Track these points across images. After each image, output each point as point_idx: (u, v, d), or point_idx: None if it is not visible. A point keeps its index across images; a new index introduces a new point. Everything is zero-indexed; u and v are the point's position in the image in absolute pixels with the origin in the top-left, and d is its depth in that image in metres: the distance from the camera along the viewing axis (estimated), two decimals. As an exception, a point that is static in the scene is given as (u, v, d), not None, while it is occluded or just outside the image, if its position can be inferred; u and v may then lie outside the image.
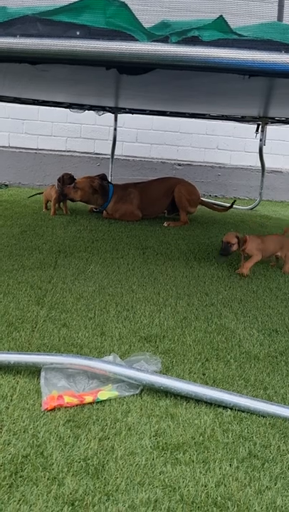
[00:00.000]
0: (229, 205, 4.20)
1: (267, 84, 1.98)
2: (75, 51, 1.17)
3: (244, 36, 1.17)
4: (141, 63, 1.19)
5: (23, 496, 1.01)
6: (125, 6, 1.17)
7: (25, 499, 1.00)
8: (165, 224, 3.71)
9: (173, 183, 3.96)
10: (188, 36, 1.16)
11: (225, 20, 1.16)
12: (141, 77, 1.72)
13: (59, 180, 3.82)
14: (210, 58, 1.17)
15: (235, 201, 4.35)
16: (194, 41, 1.16)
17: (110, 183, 3.84)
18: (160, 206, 3.96)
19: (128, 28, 1.17)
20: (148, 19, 1.19)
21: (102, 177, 3.81)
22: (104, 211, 3.83)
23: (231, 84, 1.81)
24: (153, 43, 1.18)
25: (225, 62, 1.17)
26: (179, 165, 5.49)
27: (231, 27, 1.16)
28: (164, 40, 1.18)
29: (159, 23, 1.20)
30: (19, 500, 1.00)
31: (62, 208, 3.90)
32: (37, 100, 4.20)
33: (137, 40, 1.17)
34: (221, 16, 1.16)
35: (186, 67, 1.20)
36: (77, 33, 1.18)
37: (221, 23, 1.15)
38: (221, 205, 4.65)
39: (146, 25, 1.19)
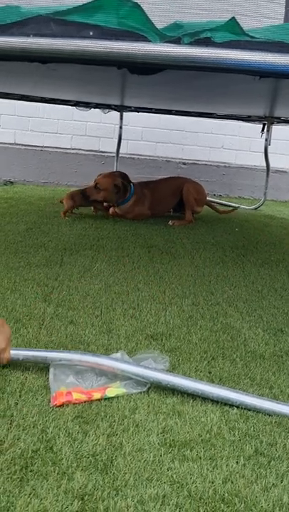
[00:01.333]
0: (231, 208, 4.27)
1: (274, 84, 1.99)
2: (88, 51, 1.18)
3: (256, 38, 1.18)
4: (153, 64, 1.20)
5: (33, 489, 1.03)
6: (138, 6, 1.18)
7: (36, 493, 1.02)
8: (170, 223, 3.72)
9: (181, 182, 3.98)
10: (200, 37, 1.17)
11: (237, 22, 1.17)
12: (149, 77, 1.73)
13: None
14: (221, 59, 1.18)
15: (237, 208, 4.38)
16: (206, 42, 1.17)
17: (131, 182, 3.81)
18: (168, 205, 3.98)
19: (141, 29, 1.18)
20: (161, 20, 1.20)
21: (124, 176, 3.78)
22: (111, 208, 3.82)
23: (240, 85, 1.82)
24: (165, 44, 1.19)
25: (236, 63, 1.18)
26: (184, 164, 5.50)
27: (243, 29, 1.17)
28: (177, 41, 1.19)
29: (171, 24, 1.22)
30: (30, 494, 1.01)
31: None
32: (44, 98, 4.21)
33: (149, 40, 1.18)
34: (233, 17, 1.17)
35: (197, 68, 1.21)
36: (91, 33, 1.19)
37: (233, 24, 1.16)
38: (227, 205, 4.68)
39: (158, 26, 1.20)
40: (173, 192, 3.92)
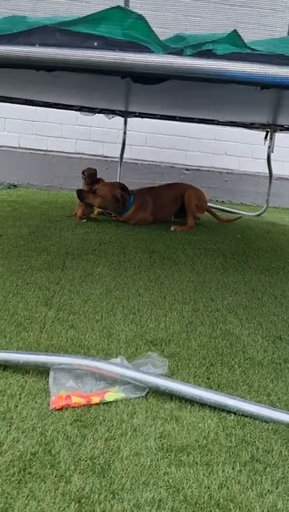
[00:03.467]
0: (235, 217, 4.31)
1: (276, 94, 2.01)
2: (92, 61, 1.21)
3: (257, 50, 1.20)
4: (156, 74, 1.22)
5: (31, 491, 1.04)
6: (142, 18, 1.21)
7: (34, 495, 1.03)
8: (172, 228, 3.74)
9: (183, 188, 4.02)
10: (202, 49, 1.19)
11: (238, 35, 1.19)
12: (152, 86, 1.75)
13: (83, 172, 3.87)
14: (223, 71, 1.20)
15: (239, 218, 4.41)
16: (208, 54, 1.20)
17: (131, 192, 3.84)
18: (170, 211, 4.01)
19: (144, 40, 1.20)
20: (163, 32, 1.23)
21: (123, 187, 3.81)
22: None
23: (242, 94, 1.84)
24: (168, 55, 1.21)
25: (238, 75, 1.20)
26: (187, 170, 5.53)
27: (245, 41, 1.19)
28: (179, 52, 1.21)
29: (174, 36, 1.24)
30: (28, 496, 1.03)
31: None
32: (48, 103, 4.25)
33: (152, 51, 1.21)
34: (235, 30, 1.19)
35: (199, 79, 1.23)
36: (95, 44, 1.21)
37: (234, 37, 1.18)
38: (231, 212, 4.72)
39: (161, 38, 1.23)
40: (175, 198, 3.95)
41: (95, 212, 3.99)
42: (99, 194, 3.67)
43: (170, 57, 1.21)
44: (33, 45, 1.25)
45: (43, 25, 1.24)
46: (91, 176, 3.88)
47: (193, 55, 1.20)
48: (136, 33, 1.21)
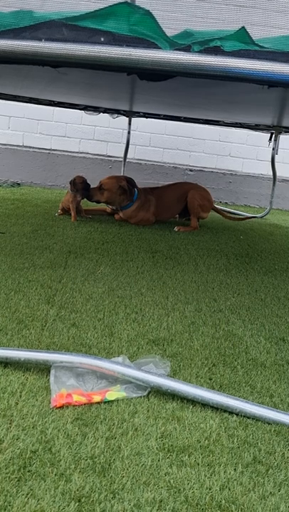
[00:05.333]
0: (246, 216, 4.30)
1: (283, 94, 1.99)
2: (99, 57, 1.20)
3: (265, 48, 1.19)
4: (163, 71, 1.21)
5: (31, 490, 1.03)
6: (149, 14, 1.20)
7: (33, 493, 1.02)
8: (176, 229, 3.73)
9: (187, 188, 3.99)
10: (210, 46, 1.18)
11: (246, 32, 1.18)
12: (158, 84, 1.74)
13: (71, 183, 3.73)
14: (231, 68, 1.19)
15: (253, 217, 4.40)
16: (216, 51, 1.19)
17: (136, 187, 3.83)
18: (173, 211, 3.99)
19: (151, 36, 1.19)
20: (171, 28, 1.22)
21: (129, 180, 3.79)
22: (116, 214, 3.85)
23: (249, 94, 1.83)
24: (175, 52, 1.20)
25: (245, 72, 1.19)
26: (191, 170, 5.51)
27: (253, 38, 1.18)
28: (187, 49, 1.20)
29: (182, 32, 1.23)
30: (27, 494, 1.02)
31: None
32: (53, 101, 4.24)
33: (159, 48, 1.20)
34: (243, 27, 1.18)
35: (207, 76, 1.22)
36: (102, 39, 1.20)
37: (242, 34, 1.17)
38: (237, 214, 4.71)
39: (169, 34, 1.21)
40: (178, 198, 3.93)
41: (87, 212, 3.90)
42: (105, 188, 3.65)
43: (177, 53, 1.20)
44: (39, 39, 1.24)
45: (50, 20, 1.23)
46: (81, 184, 3.67)
47: (200, 52, 1.19)
48: (143, 28, 1.20)
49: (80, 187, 3.66)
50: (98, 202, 3.74)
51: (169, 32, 1.22)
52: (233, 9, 1.33)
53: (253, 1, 1.30)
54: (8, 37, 1.23)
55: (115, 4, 1.22)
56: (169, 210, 3.96)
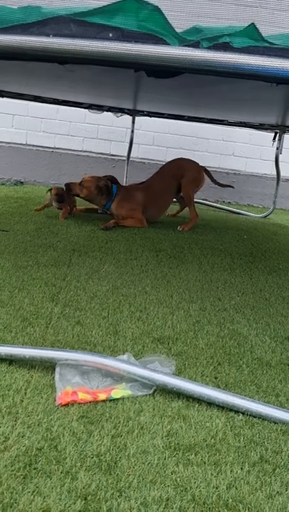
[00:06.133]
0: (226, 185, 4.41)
1: (288, 93, 1.99)
2: (107, 52, 1.19)
3: (274, 44, 1.18)
4: (171, 67, 1.20)
5: (36, 487, 1.03)
6: (158, 10, 1.19)
7: (39, 491, 1.02)
8: (179, 228, 3.72)
9: (175, 173, 3.88)
10: (219, 42, 1.18)
11: (256, 28, 1.17)
12: (163, 82, 1.74)
13: (49, 191, 3.72)
14: (240, 65, 1.18)
15: (230, 186, 4.52)
16: (225, 47, 1.18)
17: (116, 183, 3.77)
18: (167, 200, 3.92)
19: (160, 32, 1.18)
20: (180, 24, 1.21)
21: (110, 178, 3.77)
22: (112, 217, 3.79)
23: (255, 92, 1.82)
24: (184, 48, 1.20)
25: (254, 69, 1.18)
26: (194, 170, 5.49)
27: (263, 35, 1.17)
28: (195, 45, 1.19)
29: (190, 28, 1.22)
30: (33, 492, 1.01)
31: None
32: (57, 100, 4.24)
33: (168, 44, 1.19)
34: (253, 23, 1.17)
35: (215, 72, 1.21)
36: (110, 35, 1.20)
37: (252, 30, 1.17)
38: (241, 214, 4.71)
39: (178, 30, 1.21)
40: (169, 185, 3.84)
41: (77, 209, 3.90)
42: (84, 186, 3.65)
43: (186, 49, 1.19)
44: (47, 35, 1.24)
45: (58, 16, 1.22)
46: (57, 196, 3.67)
47: (209, 48, 1.18)
48: (152, 24, 1.19)
49: (55, 198, 3.68)
50: (78, 196, 3.72)
51: (178, 28, 1.21)
52: (242, 9, 1.32)
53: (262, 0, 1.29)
54: (17, 32, 1.23)
55: (124, 0, 1.21)
56: (162, 200, 3.86)
